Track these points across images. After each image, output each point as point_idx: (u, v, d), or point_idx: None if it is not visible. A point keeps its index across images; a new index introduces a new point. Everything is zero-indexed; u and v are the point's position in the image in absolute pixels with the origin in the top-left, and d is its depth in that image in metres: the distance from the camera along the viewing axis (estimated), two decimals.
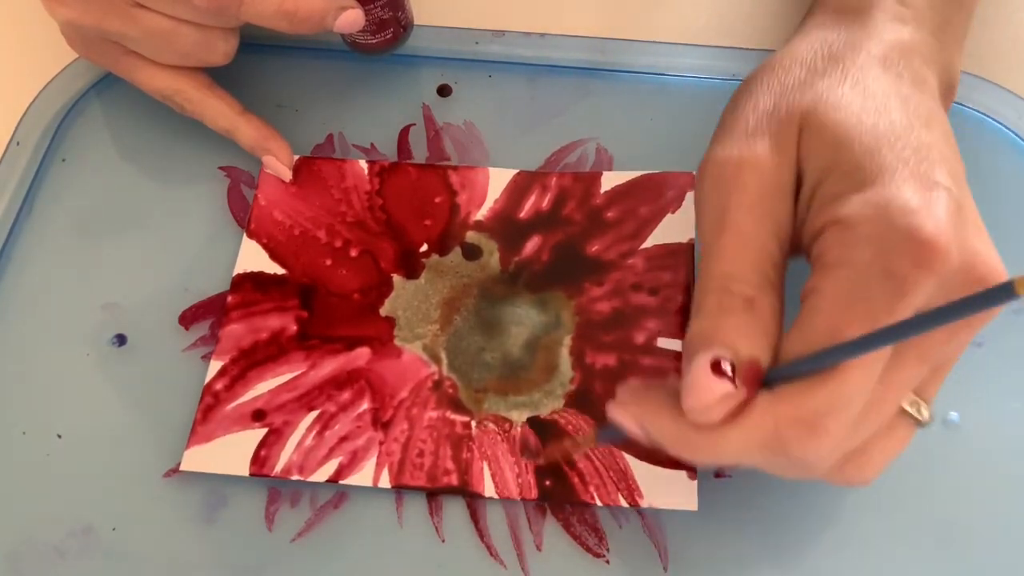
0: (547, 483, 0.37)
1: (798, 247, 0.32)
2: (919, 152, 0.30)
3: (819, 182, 0.31)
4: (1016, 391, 0.39)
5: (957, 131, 0.44)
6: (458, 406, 0.38)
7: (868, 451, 0.31)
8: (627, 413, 0.32)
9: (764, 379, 0.29)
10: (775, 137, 0.32)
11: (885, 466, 0.32)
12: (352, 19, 0.41)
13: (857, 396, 0.28)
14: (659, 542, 0.36)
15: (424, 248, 0.42)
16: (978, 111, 0.44)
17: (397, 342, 0.40)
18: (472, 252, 0.42)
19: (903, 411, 0.31)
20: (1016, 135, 0.44)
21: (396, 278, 0.41)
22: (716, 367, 0.29)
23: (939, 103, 0.34)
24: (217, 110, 0.43)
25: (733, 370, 0.29)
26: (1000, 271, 0.30)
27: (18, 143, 0.45)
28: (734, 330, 0.30)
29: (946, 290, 0.28)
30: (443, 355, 0.40)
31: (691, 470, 0.37)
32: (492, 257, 0.42)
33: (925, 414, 0.31)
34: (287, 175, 0.44)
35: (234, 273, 0.42)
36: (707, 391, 0.29)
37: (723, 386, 0.29)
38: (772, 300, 0.30)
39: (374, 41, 0.45)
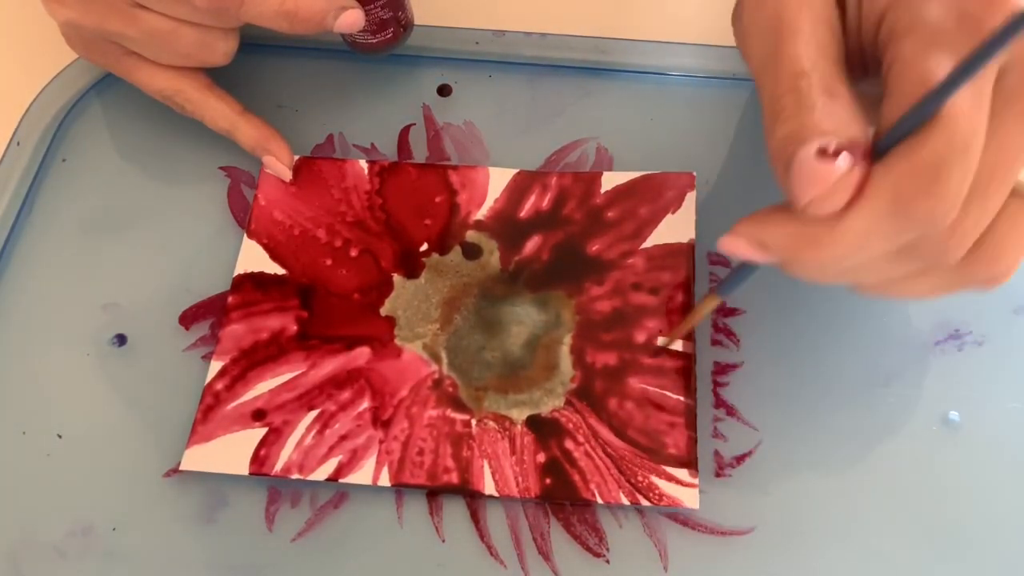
0: (547, 481, 0.37)
1: (856, 55, 0.31)
2: None
3: None
4: (1016, 391, 0.39)
5: None
6: (458, 405, 0.38)
7: (996, 238, 0.29)
8: (741, 237, 0.31)
9: (874, 153, 0.28)
10: None
11: (1016, 257, 0.30)
12: (352, 19, 0.41)
13: (970, 138, 0.27)
14: (659, 542, 0.36)
15: (424, 247, 0.42)
16: None
17: (397, 341, 0.40)
18: (472, 251, 0.42)
19: (1019, 193, 0.29)
20: None
21: (396, 277, 0.41)
22: (823, 155, 0.28)
23: None
24: (217, 110, 0.43)
25: (839, 155, 0.28)
26: None
27: (18, 143, 0.45)
28: (825, 119, 0.28)
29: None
30: (443, 354, 0.40)
31: (692, 468, 0.37)
32: (492, 256, 0.42)
33: None
34: (287, 175, 0.44)
35: (234, 273, 0.42)
36: (822, 178, 0.28)
37: (837, 168, 0.27)
38: (849, 88, 0.29)
39: (374, 41, 0.45)
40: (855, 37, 0.31)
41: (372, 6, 0.42)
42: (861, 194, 0.28)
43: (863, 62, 0.31)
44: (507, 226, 0.42)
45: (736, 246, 0.31)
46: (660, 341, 0.39)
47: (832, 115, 0.28)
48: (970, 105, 0.27)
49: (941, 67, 0.27)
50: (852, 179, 0.28)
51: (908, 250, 0.29)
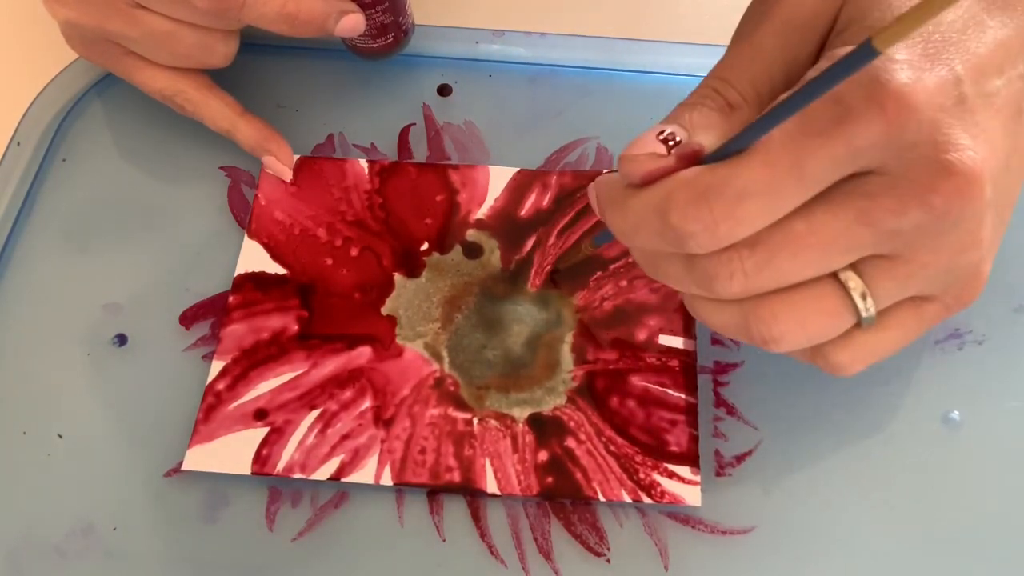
0: (550, 479, 0.37)
1: None
2: (959, 44, 0.28)
3: (843, 29, 0.30)
4: (1017, 390, 0.39)
5: None
6: (460, 403, 0.38)
7: (780, 300, 0.29)
8: (591, 190, 0.33)
9: (703, 162, 0.29)
10: None
11: (795, 335, 0.30)
12: (353, 23, 0.41)
13: (752, 189, 0.27)
14: (660, 541, 0.36)
15: (425, 247, 0.42)
16: None
17: (398, 340, 0.40)
18: (473, 250, 0.42)
19: (842, 287, 0.29)
20: None
21: (397, 277, 0.41)
22: (664, 137, 0.30)
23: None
24: (217, 111, 0.43)
25: (675, 144, 0.30)
26: (971, 168, 0.27)
27: (18, 143, 0.45)
28: (700, 119, 0.30)
29: (902, 158, 0.27)
30: (444, 353, 0.40)
31: (694, 466, 0.37)
32: (493, 255, 0.42)
33: (867, 304, 0.29)
34: (287, 175, 0.44)
35: (235, 273, 0.42)
36: (641, 144, 0.30)
37: (656, 145, 0.30)
38: (758, 106, 0.30)
39: (375, 45, 0.45)
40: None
41: (373, 10, 0.42)
42: (652, 183, 0.29)
43: None
44: (508, 225, 0.42)
45: (589, 193, 0.33)
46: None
47: (709, 121, 0.30)
48: (773, 162, 0.27)
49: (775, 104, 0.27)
50: (657, 162, 0.29)
51: (690, 263, 0.30)
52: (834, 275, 0.29)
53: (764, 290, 0.29)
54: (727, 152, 0.28)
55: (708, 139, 0.29)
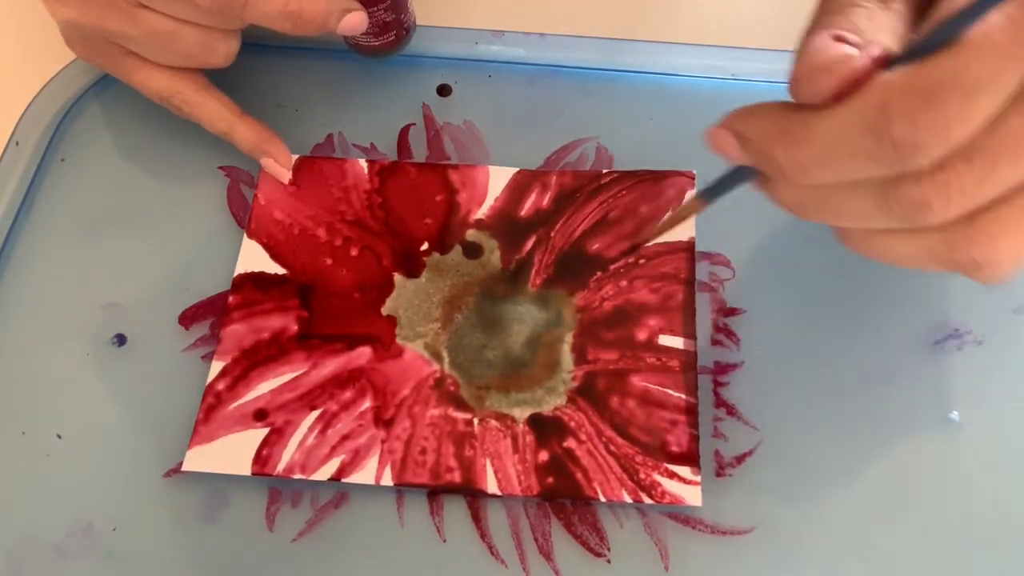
0: (550, 480, 0.37)
1: None
2: None
3: None
4: (1016, 390, 0.39)
5: None
6: (460, 404, 0.38)
7: (998, 218, 0.26)
8: (725, 129, 0.29)
9: (891, 64, 0.26)
10: None
11: (1014, 250, 0.27)
12: (356, 22, 0.41)
13: (983, 76, 0.24)
14: (660, 542, 0.36)
15: (425, 247, 0.42)
16: None
17: (399, 341, 0.40)
18: (473, 250, 0.42)
19: None
20: None
21: (397, 277, 0.41)
22: (838, 39, 0.26)
23: None
24: (215, 112, 0.43)
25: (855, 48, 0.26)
26: None
27: (17, 143, 0.45)
28: (865, 18, 0.26)
29: None
30: (445, 353, 0.40)
31: (695, 466, 0.37)
32: (493, 255, 0.42)
33: None
34: (285, 177, 0.44)
35: (235, 273, 0.42)
36: (823, 52, 0.26)
37: (842, 48, 0.25)
38: (908, 5, 0.27)
39: (377, 44, 0.45)
40: None
41: (375, 8, 0.42)
42: (851, 93, 0.26)
43: None
44: (507, 225, 0.42)
45: (718, 137, 0.30)
46: (642, 241, 0.39)
47: (871, 18, 0.26)
48: (995, 48, 0.24)
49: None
50: (849, 67, 0.25)
51: (888, 190, 0.27)
52: None
53: (979, 207, 0.26)
54: (927, 48, 0.25)
55: (884, 36, 0.26)
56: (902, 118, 0.25)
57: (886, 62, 0.26)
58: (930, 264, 0.28)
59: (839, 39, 0.26)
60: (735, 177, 0.32)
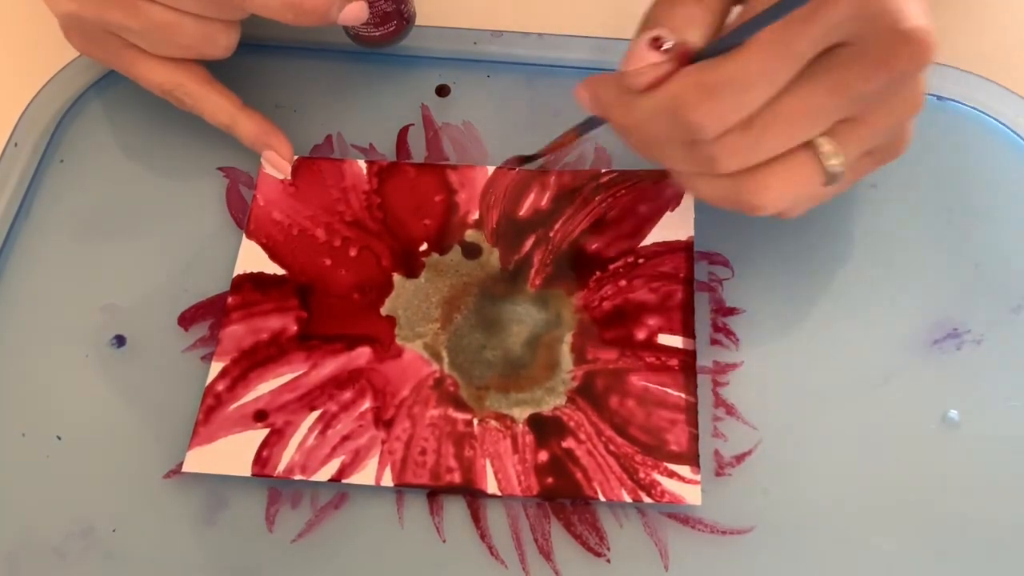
0: (550, 480, 0.37)
1: None
2: None
3: None
4: (1015, 389, 0.39)
5: (956, 128, 0.45)
6: (460, 404, 0.38)
7: (768, 172, 0.34)
8: (586, 90, 0.37)
9: (696, 59, 0.33)
10: None
11: (781, 199, 0.35)
12: (356, 12, 0.41)
13: (752, 76, 0.31)
14: (660, 541, 0.36)
15: (424, 247, 0.42)
16: (976, 108, 0.45)
17: (398, 341, 0.40)
18: (472, 251, 0.42)
19: (813, 150, 0.34)
20: (1014, 132, 0.44)
21: (396, 277, 0.41)
22: (656, 43, 0.33)
23: None
24: (217, 105, 0.43)
25: (668, 47, 0.33)
26: (922, 30, 0.31)
27: (16, 144, 0.45)
28: (682, 17, 0.33)
29: (867, 29, 0.31)
30: (444, 353, 0.40)
31: (694, 465, 0.37)
32: (492, 255, 0.42)
33: (834, 162, 0.34)
34: (287, 169, 0.44)
35: (234, 274, 0.42)
36: (639, 58, 0.33)
37: (653, 56, 0.33)
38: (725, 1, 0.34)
39: (377, 34, 0.45)
40: None
41: None
42: (659, 85, 0.33)
43: None
44: (507, 225, 0.42)
45: (580, 94, 0.37)
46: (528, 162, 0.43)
47: (688, 16, 0.33)
48: (767, 52, 0.31)
49: (763, 3, 0.31)
50: (657, 70, 0.33)
51: (690, 147, 0.34)
52: (807, 143, 0.34)
53: (755, 163, 0.34)
54: (719, 49, 0.32)
55: (695, 35, 0.33)
56: (690, 107, 0.32)
57: (690, 57, 0.33)
58: (725, 203, 0.36)
59: (656, 43, 0.33)
60: (597, 121, 0.39)
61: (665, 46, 0.33)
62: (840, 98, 0.32)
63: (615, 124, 0.36)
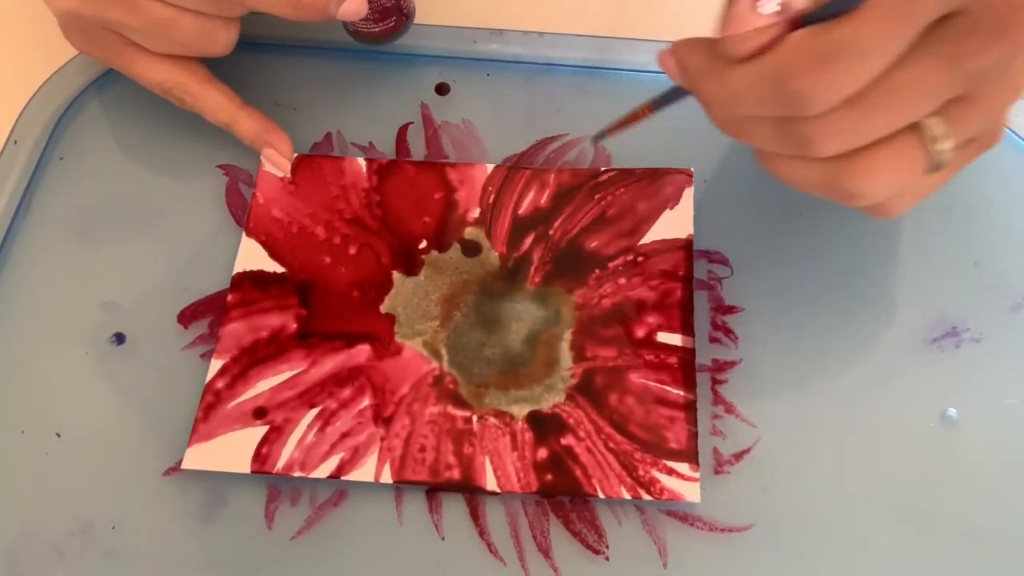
0: (549, 477, 0.37)
1: None
2: None
3: None
4: (1014, 387, 0.39)
5: None
6: (459, 401, 0.38)
7: (870, 156, 0.31)
8: (672, 55, 0.34)
9: (802, 23, 0.30)
10: None
11: (882, 187, 0.32)
12: (355, 7, 0.41)
13: (868, 44, 0.28)
14: (659, 539, 0.36)
15: (423, 245, 0.42)
16: None
17: (397, 339, 0.40)
18: (471, 248, 0.42)
19: (919, 132, 0.31)
20: (1013, 132, 0.44)
21: (395, 275, 0.41)
22: (755, 4, 0.30)
23: None
24: (217, 103, 0.43)
25: (775, 10, 0.30)
26: None
27: (15, 141, 0.45)
28: None
29: None
30: (443, 351, 0.40)
31: (693, 462, 0.37)
32: (491, 253, 0.42)
33: (944, 146, 0.31)
34: (286, 167, 0.44)
35: (234, 272, 0.42)
36: (742, 22, 0.30)
37: (759, 20, 0.30)
38: None
39: (376, 30, 0.45)
40: None
41: None
42: (763, 51, 0.30)
43: None
44: (507, 223, 0.43)
45: (665, 61, 0.35)
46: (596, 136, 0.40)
47: None
48: (886, 15, 0.28)
49: None
50: (763, 35, 0.30)
51: (785, 125, 0.31)
52: (913, 127, 0.31)
53: (857, 146, 0.31)
54: (830, 13, 0.29)
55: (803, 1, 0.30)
56: (799, 77, 0.29)
57: (798, 22, 0.29)
58: (817, 189, 0.33)
59: (758, 4, 0.30)
60: (678, 92, 0.36)
61: (770, 8, 0.30)
62: (955, 72, 0.29)
63: (702, 96, 0.33)
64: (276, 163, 0.44)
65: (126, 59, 0.42)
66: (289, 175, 0.44)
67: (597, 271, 0.41)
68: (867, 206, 0.33)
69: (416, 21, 0.46)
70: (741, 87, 0.31)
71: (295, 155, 0.44)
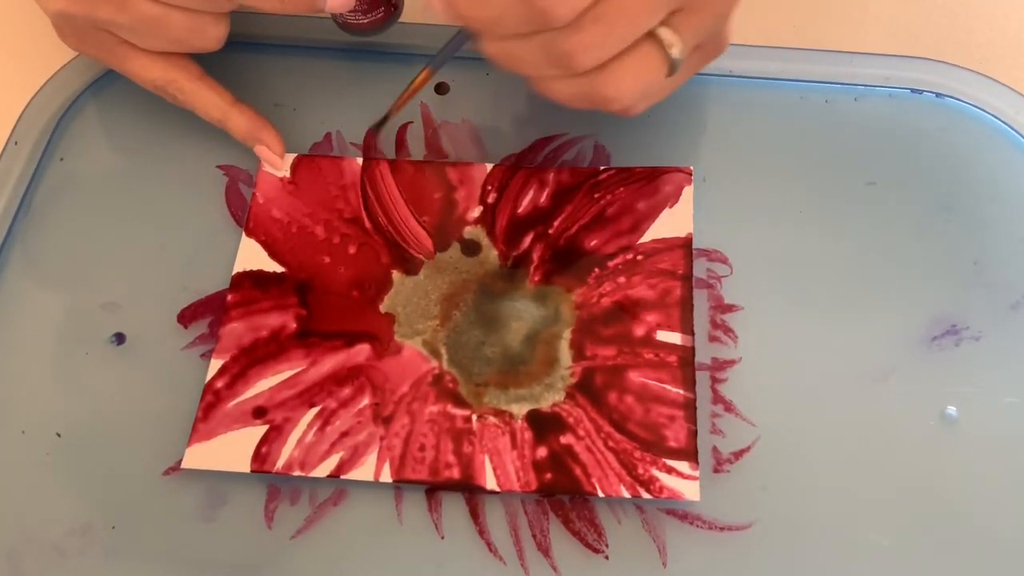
0: (549, 476, 0.37)
1: None
2: None
3: None
4: (1013, 386, 0.39)
5: (954, 125, 0.45)
6: (459, 400, 0.39)
7: (619, 65, 0.35)
8: None
9: None
10: None
11: (632, 90, 0.36)
12: (342, 0, 0.41)
13: None
14: (658, 538, 0.36)
15: (423, 245, 0.42)
16: (975, 105, 0.45)
17: (397, 338, 0.40)
18: (470, 248, 0.42)
19: (656, 41, 0.35)
20: (1013, 129, 0.44)
21: (395, 274, 0.41)
22: None
23: None
24: (210, 100, 0.43)
25: None
26: None
27: (16, 142, 0.45)
28: None
29: None
30: (443, 350, 0.40)
31: (693, 461, 0.37)
32: (491, 252, 0.42)
33: (675, 50, 0.36)
34: (280, 164, 0.44)
35: (233, 272, 0.42)
36: None
37: None
38: None
39: (365, 21, 0.45)
40: None
41: None
42: None
43: None
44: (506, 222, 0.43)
45: (435, 3, 0.36)
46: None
47: None
48: None
49: None
50: None
51: (547, 47, 0.35)
52: (651, 37, 0.35)
53: (607, 59, 0.35)
54: None
55: None
56: None
57: None
58: (580, 101, 0.37)
59: None
60: (455, 42, 0.39)
61: None
62: None
63: (472, 24, 0.36)
64: (268, 160, 0.44)
65: (119, 57, 0.42)
66: (282, 172, 0.44)
67: (597, 270, 0.41)
68: (618, 109, 0.37)
69: (416, 20, 0.46)
70: (495, 8, 0.34)
71: (295, 155, 0.44)
